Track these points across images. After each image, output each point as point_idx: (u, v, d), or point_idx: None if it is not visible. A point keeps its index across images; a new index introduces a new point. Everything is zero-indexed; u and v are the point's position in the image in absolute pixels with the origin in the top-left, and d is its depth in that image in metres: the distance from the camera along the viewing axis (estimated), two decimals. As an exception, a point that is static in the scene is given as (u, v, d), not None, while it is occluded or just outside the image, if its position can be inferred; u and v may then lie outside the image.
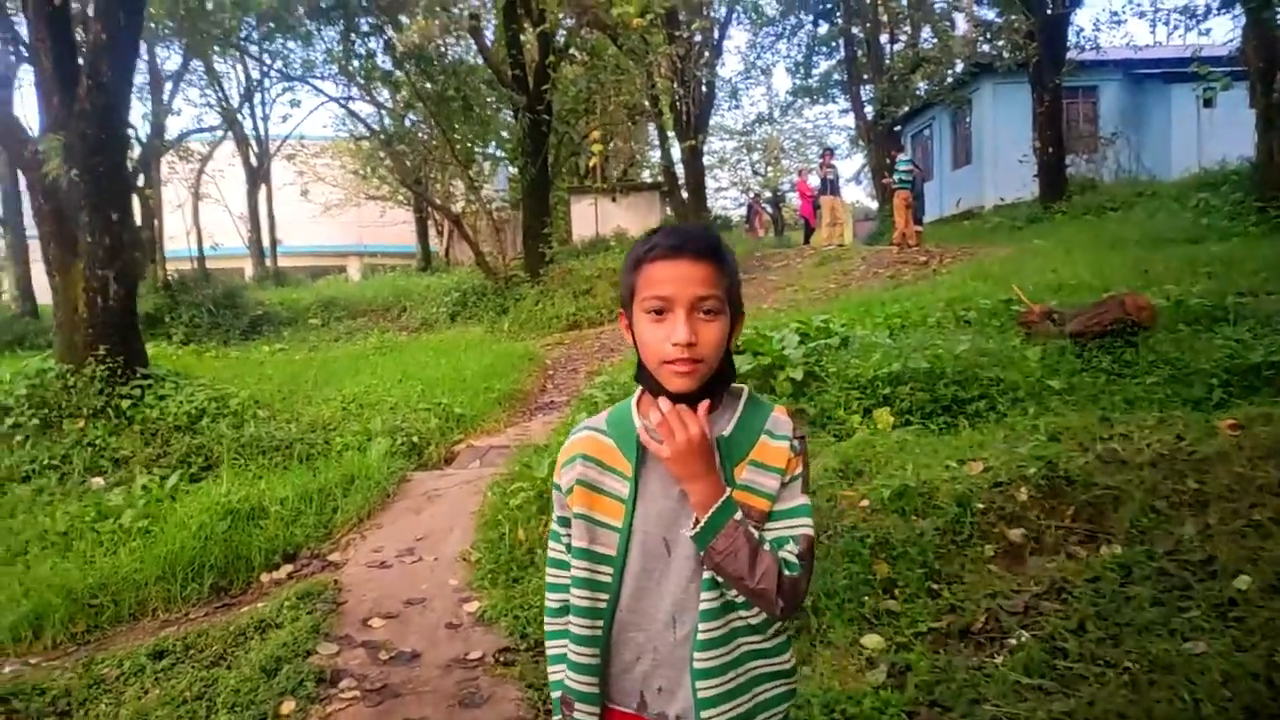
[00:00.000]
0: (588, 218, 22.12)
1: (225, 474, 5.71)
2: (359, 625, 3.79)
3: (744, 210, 28.13)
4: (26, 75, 11.81)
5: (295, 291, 19.68)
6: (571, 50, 16.31)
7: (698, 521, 1.21)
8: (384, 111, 17.46)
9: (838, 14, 23.92)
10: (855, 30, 23.82)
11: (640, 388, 1.34)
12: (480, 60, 15.76)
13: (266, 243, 24.19)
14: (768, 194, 30.97)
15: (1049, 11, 15.05)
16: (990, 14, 20.04)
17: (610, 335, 11.89)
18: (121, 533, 4.90)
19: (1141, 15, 23.77)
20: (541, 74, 14.18)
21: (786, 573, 1.21)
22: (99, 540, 4.85)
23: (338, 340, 14.50)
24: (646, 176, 29.86)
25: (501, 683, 3.18)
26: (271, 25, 14.75)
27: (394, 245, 28.31)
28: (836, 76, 26.69)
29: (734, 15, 23.50)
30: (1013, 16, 16.57)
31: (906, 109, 22.81)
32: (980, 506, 3.52)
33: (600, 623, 1.32)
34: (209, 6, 13.35)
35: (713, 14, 22.11)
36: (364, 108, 19.63)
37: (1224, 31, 28.37)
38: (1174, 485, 3.41)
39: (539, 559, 3.93)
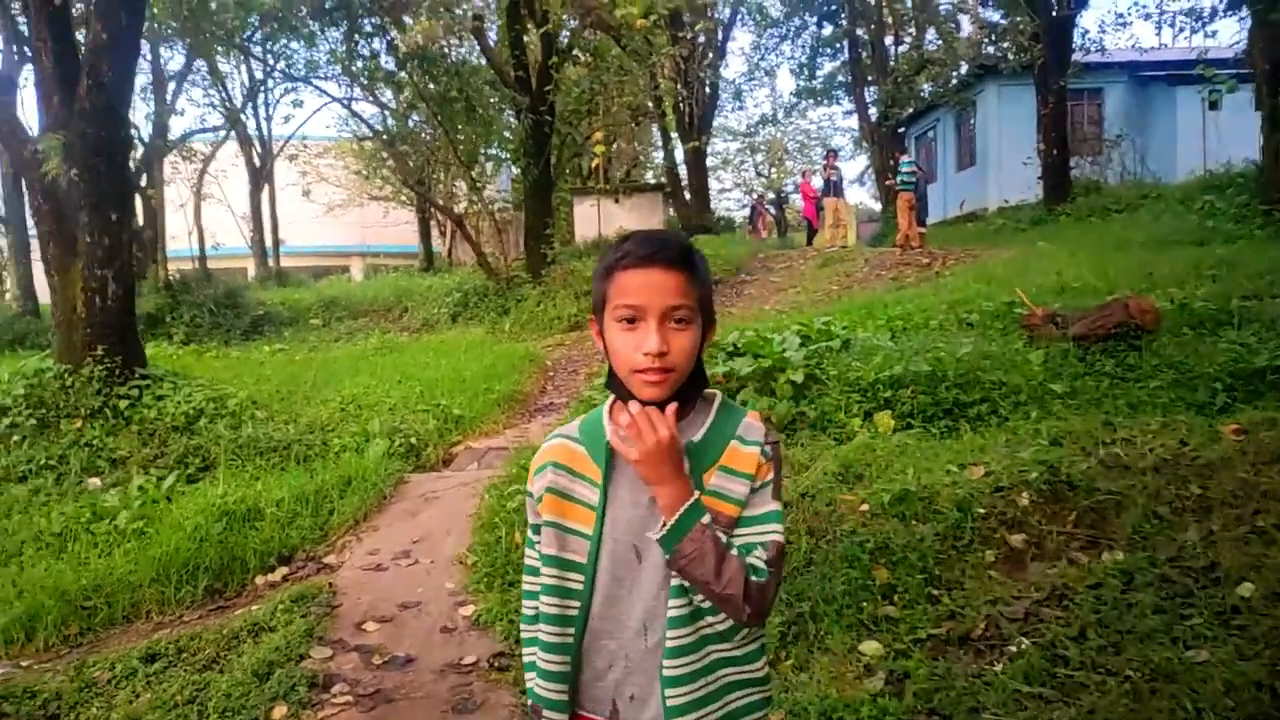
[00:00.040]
0: (590, 219, 22.09)
1: (222, 475, 5.70)
2: (353, 629, 3.76)
3: (747, 211, 28.12)
4: (26, 75, 11.79)
5: (297, 291, 19.64)
6: (575, 51, 16.30)
7: (665, 524, 1.20)
8: (387, 112, 17.48)
9: (842, 15, 23.95)
10: (860, 32, 23.86)
11: (612, 395, 1.32)
12: (483, 61, 15.74)
13: (269, 243, 24.22)
14: (771, 195, 30.99)
15: (1054, 13, 15.02)
16: (995, 16, 20.04)
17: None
18: (116, 534, 4.88)
19: (1147, 17, 23.79)
20: (544, 75, 14.18)
21: (754, 578, 1.19)
22: (94, 541, 4.83)
23: (338, 340, 14.46)
24: (650, 178, 29.84)
25: (495, 688, 3.15)
26: (275, 26, 14.78)
27: (397, 246, 28.39)
28: (841, 78, 26.73)
29: (738, 16, 23.54)
30: (1018, 18, 16.54)
31: (911, 111, 22.80)
32: (981, 511, 3.48)
33: (570, 630, 1.31)
34: (212, 7, 13.39)
35: (717, 15, 22.12)
36: (367, 108, 19.75)
37: (1230, 34, 28.32)
38: (1177, 490, 3.36)
39: (535, 563, 3.90)
